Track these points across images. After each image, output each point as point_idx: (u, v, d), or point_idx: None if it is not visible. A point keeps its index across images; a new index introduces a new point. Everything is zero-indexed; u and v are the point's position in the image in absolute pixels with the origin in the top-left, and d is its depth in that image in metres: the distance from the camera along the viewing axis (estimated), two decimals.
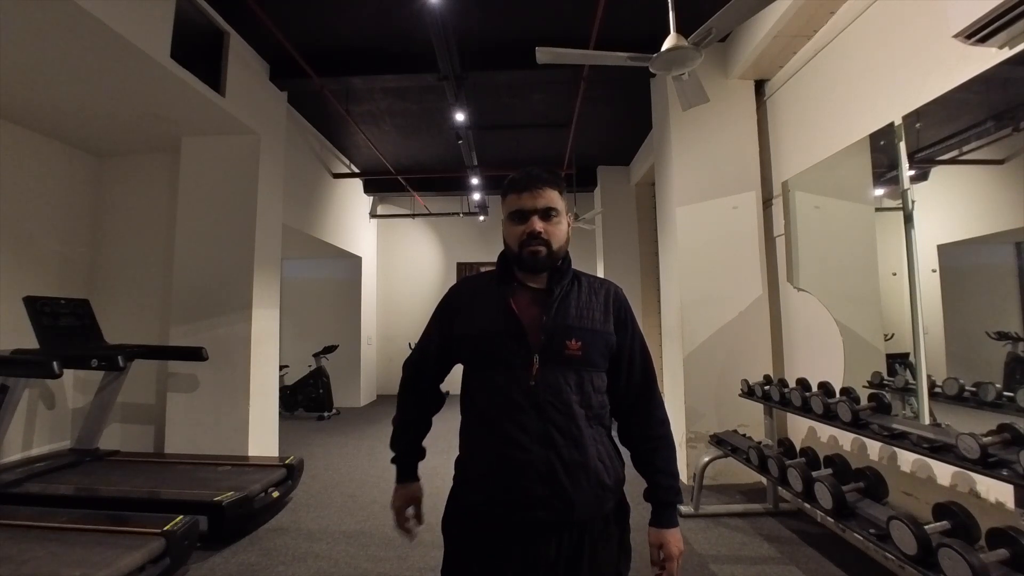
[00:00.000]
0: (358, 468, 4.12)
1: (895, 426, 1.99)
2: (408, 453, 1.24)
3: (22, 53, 2.72)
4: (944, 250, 2.25)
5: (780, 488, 2.78)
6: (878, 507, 1.98)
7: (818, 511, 2.15)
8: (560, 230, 1.08)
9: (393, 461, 1.24)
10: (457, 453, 1.13)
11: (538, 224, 1.06)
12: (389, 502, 1.19)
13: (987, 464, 1.56)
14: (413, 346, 1.26)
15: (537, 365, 1.02)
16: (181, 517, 2.34)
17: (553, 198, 1.08)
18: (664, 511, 1.15)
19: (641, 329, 1.18)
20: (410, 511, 1.22)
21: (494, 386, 1.04)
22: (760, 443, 2.81)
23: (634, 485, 1.12)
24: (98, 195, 4.38)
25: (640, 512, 1.23)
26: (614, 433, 1.15)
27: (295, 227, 5.10)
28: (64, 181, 4.09)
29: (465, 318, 1.11)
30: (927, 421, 2.21)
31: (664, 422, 1.16)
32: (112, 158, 4.39)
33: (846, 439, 2.75)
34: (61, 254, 4.06)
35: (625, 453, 1.16)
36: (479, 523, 1.04)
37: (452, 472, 1.14)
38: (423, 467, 1.25)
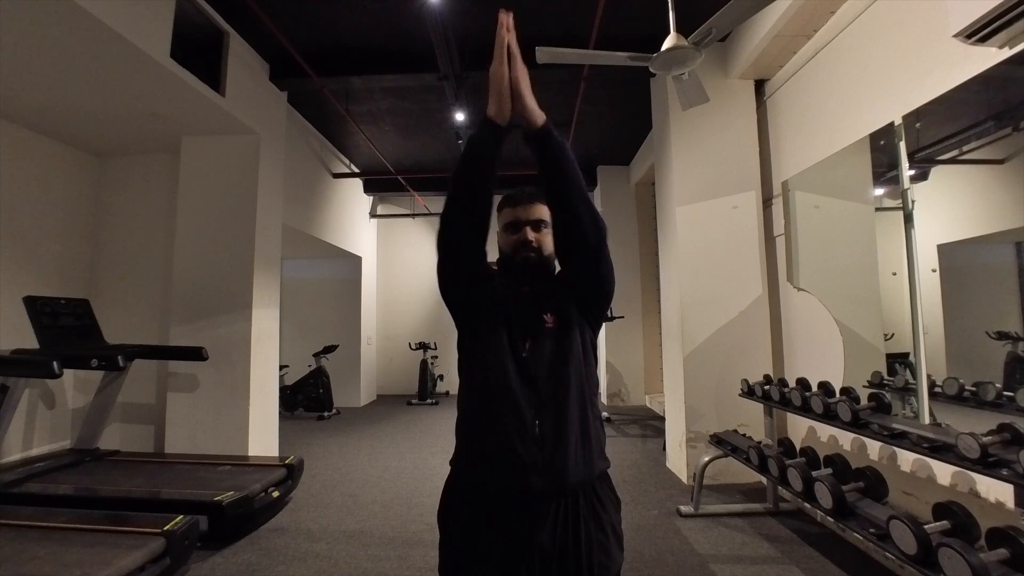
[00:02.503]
0: (358, 468, 4.12)
1: (895, 426, 1.99)
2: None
3: (22, 53, 2.72)
4: (944, 250, 2.25)
5: (780, 488, 2.78)
6: (878, 507, 1.98)
7: (818, 511, 2.15)
8: (548, 240, 1.21)
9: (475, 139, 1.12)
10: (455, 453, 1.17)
11: (530, 234, 1.19)
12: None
13: (987, 464, 1.56)
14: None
15: (530, 342, 1.12)
16: (181, 517, 2.34)
17: (542, 211, 1.20)
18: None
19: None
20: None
21: (493, 357, 1.12)
22: (760, 443, 2.81)
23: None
24: (98, 195, 4.38)
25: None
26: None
27: (295, 227, 5.10)
28: (64, 181, 4.09)
29: (484, 278, 1.20)
30: (927, 421, 2.21)
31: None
32: (112, 158, 4.39)
33: (846, 439, 2.75)
34: (61, 254, 4.06)
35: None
36: (476, 502, 1.09)
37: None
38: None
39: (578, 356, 1.14)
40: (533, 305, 1.16)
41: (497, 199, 1.23)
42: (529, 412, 1.07)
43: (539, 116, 1.07)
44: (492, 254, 1.26)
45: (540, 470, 1.04)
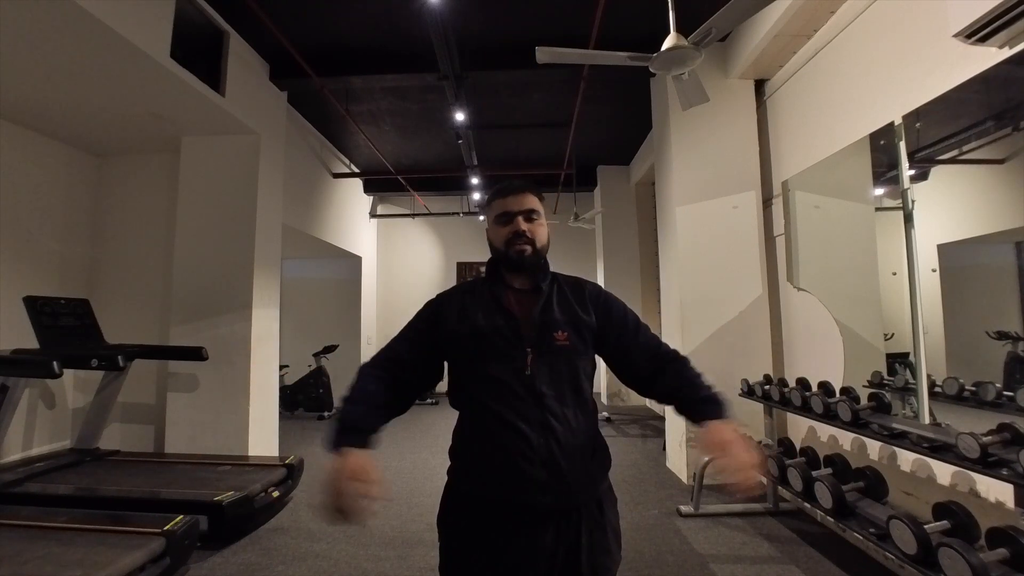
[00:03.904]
0: None
1: (895, 426, 1.99)
2: (362, 420, 1.02)
3: (22, 53, 2.72)
4: (944, 250, 2.25)
5: (780, 488, 2.78)
6: (878, 507, 1.98)
7: (818, 511, 2.15)
8: (542, 230, 1.18)
9: (339, 438, 0.98)
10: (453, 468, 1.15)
11: (523, 224, 1.15)
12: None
13: (987, 463, 1.56)
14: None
15: (532, 356, 1.08)
16: (181, 517, 2.34)
17: (534, 202, 1.18)
18: (710, 405, 1.06)
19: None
20: (368, 478, 0.91)
21: (491, 378, 1.08)
22: (760, 443, 2.81)
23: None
24: (98, 195, 4.38)
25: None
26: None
27: (295, 227, 5.10)
28: (64, 181, 4.09)
29: (455, 320, 1.15)
30: (927, 421, 2.21)
31: (679, 356, 1.17)
32: (112, 158, 4.39)
33: (846, 439, 2.75)
34: (61, 254, 4.06)
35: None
36: (479, 513, 1.07)
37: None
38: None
39: (587, 372, 1.14)
40: (542, 317, 1.12)
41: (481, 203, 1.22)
42: (534, 432, 1.03)
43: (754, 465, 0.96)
44: (487, 250, 1.24)
45: (546, 490, 1.02)
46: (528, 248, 1.14)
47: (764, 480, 2.20)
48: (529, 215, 1.16)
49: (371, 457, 0.95)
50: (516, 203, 1.16)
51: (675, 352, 1.18)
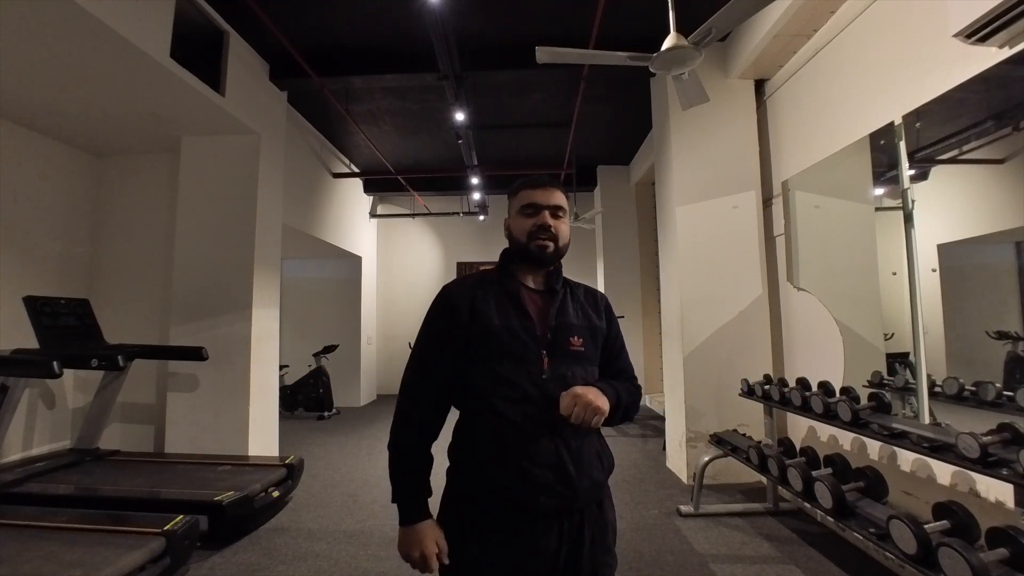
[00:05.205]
0: (358, 468, 4.12)
1: (895, 425, 1.99)
2: (420, 490, 1.12)
3: (22, 53, 2.72)
4: (944, 250, 2.25)
5: (780, 488, 2.78)
6: (878, 506, 1.98)
7: (818, 510, 2.15)
8: (566, 229, 1.17)
9: (396, 499, 1.10)
10: (453, 469, 1.15)
11: (549, 219, 1.13)
12: (389, 499, 1.15)
13: (987, 463, 1.56)
14: (414, 345, 1.18)
15: (547, 359, 1.07)
16: (181, 517, 2.34)
17: (561, 199, 1.17)
18: (602, 383, 1.12)
19: (629, 331, 1.25)
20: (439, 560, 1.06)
21: (502, 379, 1.05)
22: (760, 442, 2.81)
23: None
24: (98, 195, 4.38)
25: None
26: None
27: (295, 227, 5.10)
28: (64, 181, 4.09)
29: (466, 315, 1.10)
30: (927, 420, 2.21)
31: (637, 389, 1.22)
32: (112, 158, 4.39)
33: (846, 439, 2.75)
34: (61, 254, 4.06)
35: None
36: (481, 513, 1.06)
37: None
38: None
39: (596, 378, 1.14)
40: (558, 320, 1.12)
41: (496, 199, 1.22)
42: (543, 435, 1.03)
43: (606, 411, 1.01)
44: (492, 248, 1.24)
45: (552, 493, 1.02)
46: (551, 244, 1.13)
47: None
48: (556, 211, 1.14)
49: (437, 530, 1.08)
50: (544, 196, 1.14)
51: (635, 379, 1.24)
